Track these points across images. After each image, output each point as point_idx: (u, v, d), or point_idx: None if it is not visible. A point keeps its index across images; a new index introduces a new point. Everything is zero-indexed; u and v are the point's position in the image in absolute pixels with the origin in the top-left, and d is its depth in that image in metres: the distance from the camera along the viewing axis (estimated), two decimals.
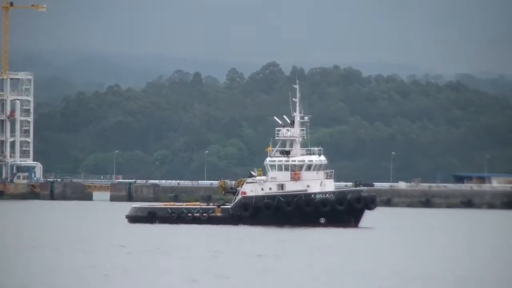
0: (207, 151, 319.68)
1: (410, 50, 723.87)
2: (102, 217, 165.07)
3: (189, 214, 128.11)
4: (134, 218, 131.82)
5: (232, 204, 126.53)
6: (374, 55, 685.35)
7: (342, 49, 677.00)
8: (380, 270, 72.69)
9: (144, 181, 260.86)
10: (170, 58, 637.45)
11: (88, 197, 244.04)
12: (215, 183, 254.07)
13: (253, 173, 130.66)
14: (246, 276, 72.20)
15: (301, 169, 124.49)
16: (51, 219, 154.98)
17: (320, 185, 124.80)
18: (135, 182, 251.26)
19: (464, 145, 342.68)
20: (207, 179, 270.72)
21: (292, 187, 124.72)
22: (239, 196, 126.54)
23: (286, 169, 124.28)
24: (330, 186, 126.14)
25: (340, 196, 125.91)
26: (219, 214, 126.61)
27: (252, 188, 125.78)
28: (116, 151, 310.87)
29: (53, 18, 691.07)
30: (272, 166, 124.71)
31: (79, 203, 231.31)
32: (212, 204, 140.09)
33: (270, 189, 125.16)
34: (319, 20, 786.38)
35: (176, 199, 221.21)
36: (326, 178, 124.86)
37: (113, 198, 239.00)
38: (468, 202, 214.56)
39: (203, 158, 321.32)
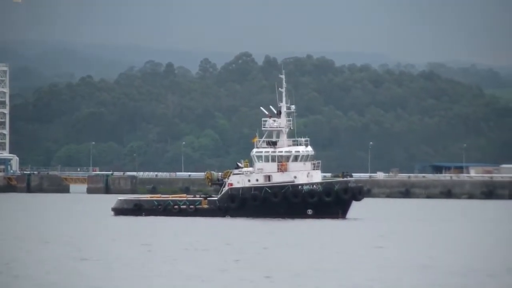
0: (184, 142, 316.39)
1: (381, 40, 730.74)
2: (87, 209, 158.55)
3: (176, 206, 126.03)
4: (120, 211, 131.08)
5: (218, 196, 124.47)
6: (346, 45, 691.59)
7: (315, 38, 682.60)
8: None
9: (122, 173, 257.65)
10: (142, 48, 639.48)
11: (65, 189, 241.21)
12: (193, 174, 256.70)
13: (239, 164, 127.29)
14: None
15: (288, 160, 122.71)
16: (37, 213, 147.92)
17: (307, 176, 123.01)
18: (112, 174, 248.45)
19: (438, 135, 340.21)
20: (184, 171, 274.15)
21: (279, 178, 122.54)
22: (226, 188, 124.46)
23: (273, 160, 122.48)
24: (317, 177, 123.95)
25: (327, 187, 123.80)
26: (206, 206, 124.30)
27: (239, 179, 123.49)
28: (93, 142, 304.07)
29: (23, 8, 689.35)
30: (259, 157, 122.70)
31: (56, 195, 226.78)
32: (198, 196, 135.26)
33: (257, 180, 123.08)
34: (292, 10, 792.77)
35: (154, 190, 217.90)
36: (313, 169, 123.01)
37: (90, 191, 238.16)
38: (448, 192, 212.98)
39: (177, 149, 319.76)
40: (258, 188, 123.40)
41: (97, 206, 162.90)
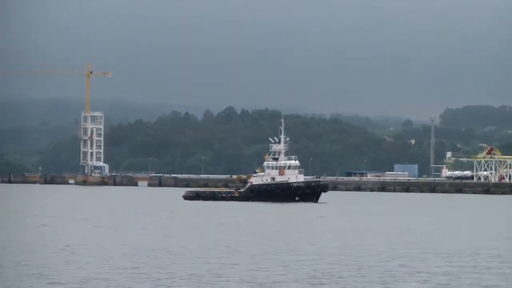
0: (204, 157, 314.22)
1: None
2: (166, 197, 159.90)
3: (219, 195, 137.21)
4: (187, 197, 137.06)
5: (244, 189, 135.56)
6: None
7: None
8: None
9: (168, 175, 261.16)
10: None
11: (135, 184, 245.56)
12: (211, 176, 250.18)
13: (256, 171, 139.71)
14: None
15: (285, 168, 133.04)
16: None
17: (296, 177, 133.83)
18: (163, 175, 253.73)
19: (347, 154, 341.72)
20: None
21: (279, 179, 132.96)
22: (248, 184, 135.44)
23: (276, 168, 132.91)
24: (301, 178, 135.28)
25: (307, 184, 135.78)
26: (236, 194, 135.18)
27: (256, 179, 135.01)
28: (151, 157, 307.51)
29: None
30: (268, 167, 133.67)
31: (133, 187, 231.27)
32: (232, 189, 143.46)
33: (267, 180, 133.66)
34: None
35: (187, 185, 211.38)
36: (299, 174, 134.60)
37: (150, 185, 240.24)
38: (358, 188, 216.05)
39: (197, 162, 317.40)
40: (268, 185, 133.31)
41: (169, 194, 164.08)
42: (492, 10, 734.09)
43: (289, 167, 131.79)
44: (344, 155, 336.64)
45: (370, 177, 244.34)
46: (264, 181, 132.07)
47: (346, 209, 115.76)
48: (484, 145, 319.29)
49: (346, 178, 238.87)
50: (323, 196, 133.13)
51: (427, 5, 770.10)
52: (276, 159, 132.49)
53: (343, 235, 66.46)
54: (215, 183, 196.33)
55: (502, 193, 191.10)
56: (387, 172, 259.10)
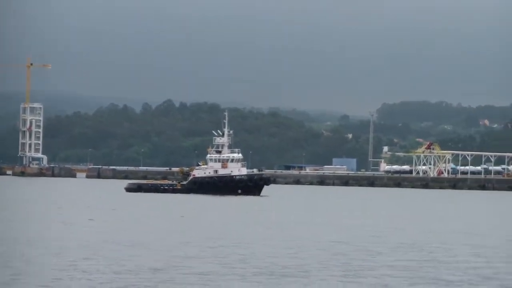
0: (143, 150, 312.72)
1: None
2: (106, 188, 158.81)
3: (162, 187, 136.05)
4: (129, 189, 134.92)
5: (186, 182, 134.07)
6: None
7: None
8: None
9: (107, 166, 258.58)
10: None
11: (74, 175, 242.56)
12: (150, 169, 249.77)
13: (199, 164, 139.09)
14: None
15: (228, 161, 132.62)
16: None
17: (238, 170, 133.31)
18: (101, 167, 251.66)
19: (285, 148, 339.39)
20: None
21: (222, 171, 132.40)
22: (191, 177, 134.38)
23: (219, 161, 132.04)
24: (244, 171, 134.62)
25: (250, 177, 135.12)
26: (179, 187, 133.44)
27: (199, 172, 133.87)
28: (90, 149, 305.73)
29: None
30: (211, 159, 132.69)
31: (70, 179, 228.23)
32: (175, 181, 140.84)
33: (210, 173, 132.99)
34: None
35: (126, 178, 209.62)
36: (242, 167, 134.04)
37: (88, 177, 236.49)
38: (297, 181, 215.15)
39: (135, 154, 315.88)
40: (210, 177, 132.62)
41: (110, 186, 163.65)
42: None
43: (232, 160, 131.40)
44: (282, 149, 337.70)
45: (308, 170, 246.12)
46: (207, 174, 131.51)
47: (296, 203, 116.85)
48: (420, 140, 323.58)
49: (285, 172, 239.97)
50: (265, 190, 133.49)
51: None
52: (220, 152, 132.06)
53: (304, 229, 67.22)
54: (154, 176, 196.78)
55: (441, 187, 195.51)
56: (325, 166, 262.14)
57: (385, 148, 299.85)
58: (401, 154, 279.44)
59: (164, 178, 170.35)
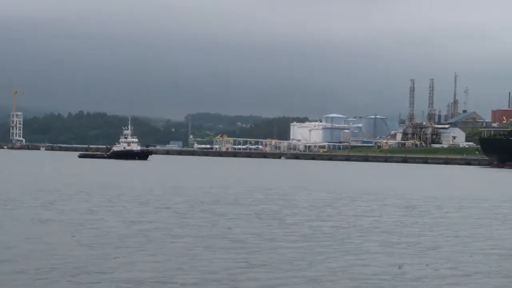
0: None
1: None
2: (66, 157, 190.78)
3: (97, 156, 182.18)
4: (80, 156, 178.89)
5: (110, 153, 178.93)
6: None
7: None
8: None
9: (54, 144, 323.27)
10: None
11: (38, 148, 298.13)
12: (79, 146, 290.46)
13: (116, 144, 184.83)
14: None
15: (130, 143, 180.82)
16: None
17: (136, 147, 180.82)
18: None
19: None
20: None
21: (128, 148, 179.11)
22: (112, 151, 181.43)
23: (126, 143, 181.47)
24: (138, 147, 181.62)
25: (142, 150, 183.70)
26: (106, 156, 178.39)
27: (116, 148, 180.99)
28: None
29: None
30: (122, 141, 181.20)
31: (36, 151, 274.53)
32: (103, 153, 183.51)
33: (121, 148, 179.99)
34: None
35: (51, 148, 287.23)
36: (137, 145, 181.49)
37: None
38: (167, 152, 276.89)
39: None
40: (122, 151, 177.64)
41: (65, 155, 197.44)
42: None
43: (132, 142, 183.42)
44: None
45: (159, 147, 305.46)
46: (120, 149, 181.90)
47: (171, 165, 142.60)
48: (210, 133, 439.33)
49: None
50: (150, 157, 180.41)
51: None
52: (126, 137, 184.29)
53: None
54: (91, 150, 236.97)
55: (228, 155, 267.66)
56: (167, 145, 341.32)
57: (191, 137, 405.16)
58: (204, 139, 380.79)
59: (97, 150, 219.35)
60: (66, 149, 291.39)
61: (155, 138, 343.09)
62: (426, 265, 25.03)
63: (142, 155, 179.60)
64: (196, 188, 64.39)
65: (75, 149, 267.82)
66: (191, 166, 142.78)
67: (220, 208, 44.84)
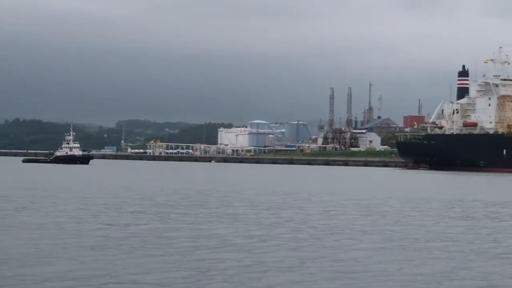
0: None
1: None
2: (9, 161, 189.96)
3: (41, 160, 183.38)
4: (26, 161, 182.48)
5: (52, 158, 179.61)
6: None
7: None
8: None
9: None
10: None
11: None
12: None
13: (59, 149, 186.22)
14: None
15: (72, 148, 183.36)
16: None
17: (77, 152, 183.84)
18: None
19: None
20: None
21: (70, 153, 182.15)
22: (55, 155, 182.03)
23: (68, 148, 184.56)
24: (80, 152, 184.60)
25: (83, 155, 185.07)
26: (49, 160, 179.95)
27: (59, 153, 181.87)
28: None
29: None
30: (64, 147, 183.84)
31: None
32: (46, 157, 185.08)
33: (64, 153, 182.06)
34: None
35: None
36: (79, 150, 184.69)
37: None
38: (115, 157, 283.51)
39: None
40: (64, 156, 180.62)
41: (8, 161, 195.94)
42: None
43: (74, 147, 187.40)
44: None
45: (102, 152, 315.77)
46: (63, 154, 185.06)
47: (111, 168, 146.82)
48: (141, 138, 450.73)
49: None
50: (91, 162, 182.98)
51: None
52: (68, 143, 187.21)
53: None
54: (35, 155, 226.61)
55: (161, 159, 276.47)
56: (102, 150, 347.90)
57: (122, 142, 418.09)
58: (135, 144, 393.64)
59: (35, 155, 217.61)
60: (5, 154, 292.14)
61: (89, 143, 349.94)
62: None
63: (83, 160, 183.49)
64: (199, 190, 68.57)
65: (15, 154, 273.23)
66: (137, 169, 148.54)
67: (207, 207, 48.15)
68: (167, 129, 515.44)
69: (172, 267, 22.52)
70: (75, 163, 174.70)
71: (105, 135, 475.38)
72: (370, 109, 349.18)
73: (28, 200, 50.50)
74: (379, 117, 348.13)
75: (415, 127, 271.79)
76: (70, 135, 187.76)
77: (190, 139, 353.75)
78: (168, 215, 41.47)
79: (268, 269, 22.66)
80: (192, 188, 72.20)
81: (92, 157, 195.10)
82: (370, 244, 29.25)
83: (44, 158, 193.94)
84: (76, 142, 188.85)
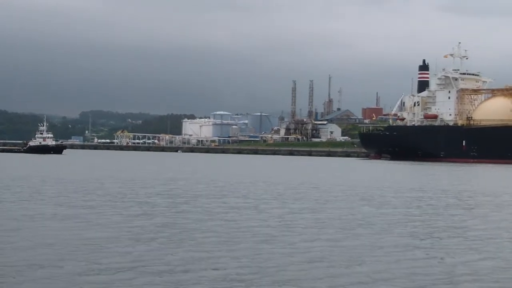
0: None
1: None
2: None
3: (15, 150, 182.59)
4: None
5: (26, 147, 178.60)
6: None
7: None
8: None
9: None
10: None
11: None
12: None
13: (33, 139, 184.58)
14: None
15: (46, 138, 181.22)
16: None
17: (51, 142, 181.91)
18: None
19: None
20: None
21: (43, 143, 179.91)
22: (28, 145, 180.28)
23: (42, 138, 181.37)
24: (53, 142, 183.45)
25: (57, 145, 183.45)
26: (22, 150, 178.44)
27: (33, 143, 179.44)
28: None
29: None
30: (38, 137, 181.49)
31: None
32: (21, 148, 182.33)
33: (38, 143, 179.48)
34: None
35: None
36: (52, 140, 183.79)
37: None
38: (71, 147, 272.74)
39: None
40: (38, 145, 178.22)
41: None
42: None
43: (48, 138, 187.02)
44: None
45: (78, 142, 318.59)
46: (36, 144, 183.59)
47: (85, 159, 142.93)
48: (104, 128, 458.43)
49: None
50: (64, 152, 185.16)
51: None
52: (42, 133, 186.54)
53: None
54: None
55: (129, 149, 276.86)
56: (69, 140, 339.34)
57: (87, 132, 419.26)
58: (99, 134, 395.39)
59: (4, 145, 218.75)
60: None
61: (55, 134, 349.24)
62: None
63: (57, 150, 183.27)
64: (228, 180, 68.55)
65: None
66: (112, 159, 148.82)
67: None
68: (129, 120, 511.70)
69: None
70: (49, 153, 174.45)
71: (70, 126, 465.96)
72: (330, 101, 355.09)
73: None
74: (338, 109, 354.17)
75: (373, 118, 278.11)
76: (43, 125, 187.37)
77: (153, 130, 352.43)
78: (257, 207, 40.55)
79: None
80: (221, 180, 70.88)
81: (65, 147, 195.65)
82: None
83: (18, 148, 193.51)
84: (49, 132, 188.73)
